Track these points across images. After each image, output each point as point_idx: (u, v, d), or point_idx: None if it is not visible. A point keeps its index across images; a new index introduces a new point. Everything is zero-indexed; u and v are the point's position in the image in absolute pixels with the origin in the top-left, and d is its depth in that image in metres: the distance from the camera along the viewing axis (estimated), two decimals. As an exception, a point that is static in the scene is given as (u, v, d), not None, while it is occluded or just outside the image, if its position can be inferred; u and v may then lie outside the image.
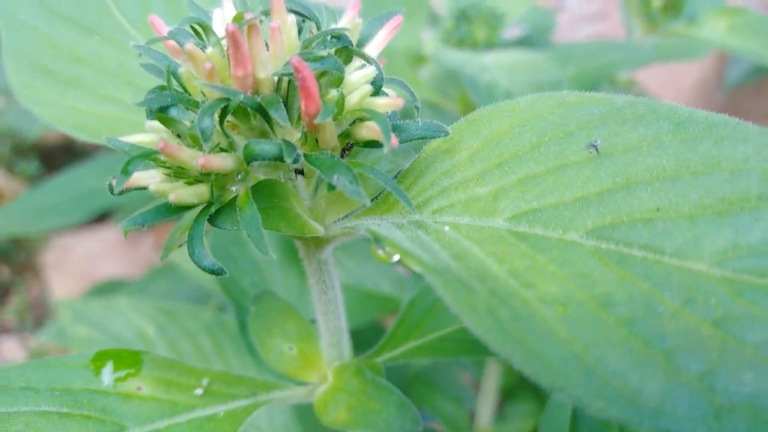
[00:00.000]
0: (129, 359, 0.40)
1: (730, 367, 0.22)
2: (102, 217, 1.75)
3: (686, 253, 0.25)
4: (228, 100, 0.26)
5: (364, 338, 0.84)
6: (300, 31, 0.32)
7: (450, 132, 0.32)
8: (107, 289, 1.38)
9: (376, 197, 0.34)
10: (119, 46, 0.41)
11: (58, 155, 2.01)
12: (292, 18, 0.30)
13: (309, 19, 0.31)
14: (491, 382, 0.84)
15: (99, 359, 0.39)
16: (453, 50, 0.81)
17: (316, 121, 0.27)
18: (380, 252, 0.29)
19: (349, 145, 0.31)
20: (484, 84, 0.67)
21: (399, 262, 0.27)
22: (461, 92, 0.87)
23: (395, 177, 0.35)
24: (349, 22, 0.32)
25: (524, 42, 1.17)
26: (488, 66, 0.73)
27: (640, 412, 0.21)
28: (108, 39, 0.41)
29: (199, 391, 0.40)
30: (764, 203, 0.25)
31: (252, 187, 0.30)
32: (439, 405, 0.91)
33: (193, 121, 0.27)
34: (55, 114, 0.37)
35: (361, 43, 0.33)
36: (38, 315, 1.88)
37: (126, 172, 0.26)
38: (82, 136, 0.36)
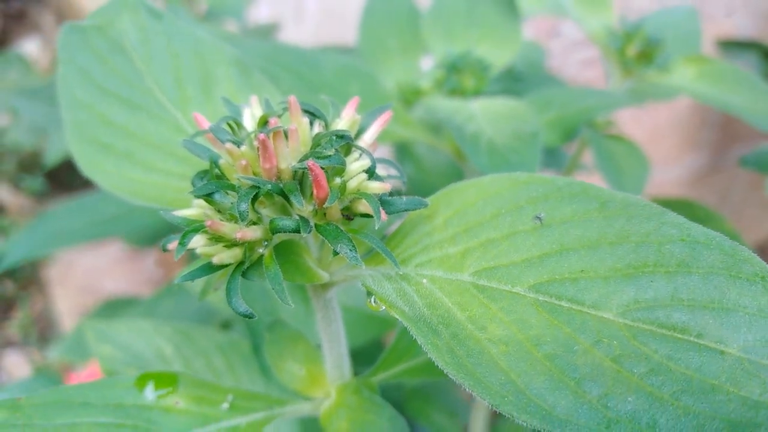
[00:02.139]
0: (168, 379, 0.48)
1: (620, 391, 0.31)
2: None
3: (600, 305, 0.34)
4: (258, 188, 0.35)
5: (368, 354, 0.92)
6: (311, 123, 0.41)
7: (429, 203, 0.41)
8: (117, 306, 1.42)
9: (372, 250, 0.43)
10: (162, 121, 0.50)
11: (64, 172, 2.05)
12: (305, 119, 0.39)
13: (317, 117, 0.40)
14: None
15: (142, 380, 0.48)
16: (443, 98, 0.89)
17: (325, 205, 0.36)
18: (372, 302, 0.37)
19: (350, 217, 0.39)
20: (469, 134, 0.75)
21: (385, 310, 0.36)
22: (450, 134, 0.95)
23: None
24: (349, 118, 0.41)
25: (516, 78, 1.25)
26: (475, 115, 0.81)
27: (553, 422, 0.31)
28: (153, 115, 0.49)
29: (225, 406, 0.48)
30: (658, 269, 0.34)
31: (274, 246, 0.39)
32: (433, 418, 0.97)
33: (232, 204, 0.36)
34: (113, 183, 0.46)
35: (360, 132, 0.42)
36: (42, 329, 1.92)
37: (183, 244, 0.35)
38: (136, 202, 0.45)
